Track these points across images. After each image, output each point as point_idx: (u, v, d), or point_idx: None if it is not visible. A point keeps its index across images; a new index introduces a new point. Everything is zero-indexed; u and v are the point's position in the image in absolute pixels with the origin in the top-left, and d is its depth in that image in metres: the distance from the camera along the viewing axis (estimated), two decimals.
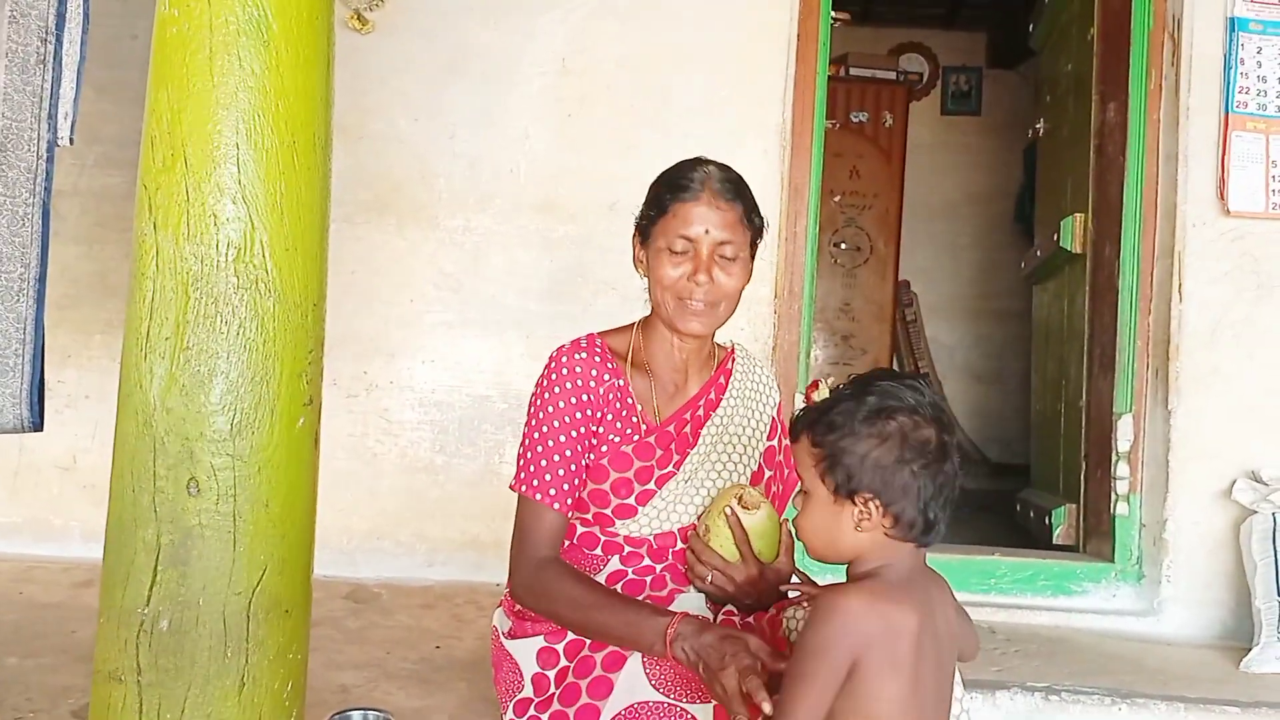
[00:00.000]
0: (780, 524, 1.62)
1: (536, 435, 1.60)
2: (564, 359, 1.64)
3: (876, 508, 1.26)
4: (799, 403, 3.06)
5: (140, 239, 1.04)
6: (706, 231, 1.60)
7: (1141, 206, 3.06)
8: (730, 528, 1.57)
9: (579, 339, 1.68)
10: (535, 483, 1.58)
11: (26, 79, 1.56)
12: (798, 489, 1.34)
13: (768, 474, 1.74)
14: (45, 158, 1.57)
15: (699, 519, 1.63)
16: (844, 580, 1.33)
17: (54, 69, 1.57)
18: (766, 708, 1.28)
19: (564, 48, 3.15)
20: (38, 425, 1.55)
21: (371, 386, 3.13)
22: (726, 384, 1.73)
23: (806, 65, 3.12)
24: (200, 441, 1.00)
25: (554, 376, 1.63)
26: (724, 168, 1.67)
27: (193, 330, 1.01)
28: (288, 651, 1.03)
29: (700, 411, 1.69)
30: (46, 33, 1.54)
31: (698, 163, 1.67)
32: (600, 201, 3.08)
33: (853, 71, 5.75)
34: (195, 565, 0.99)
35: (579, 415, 1.61)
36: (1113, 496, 3.05)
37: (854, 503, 1.26)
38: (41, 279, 1.58)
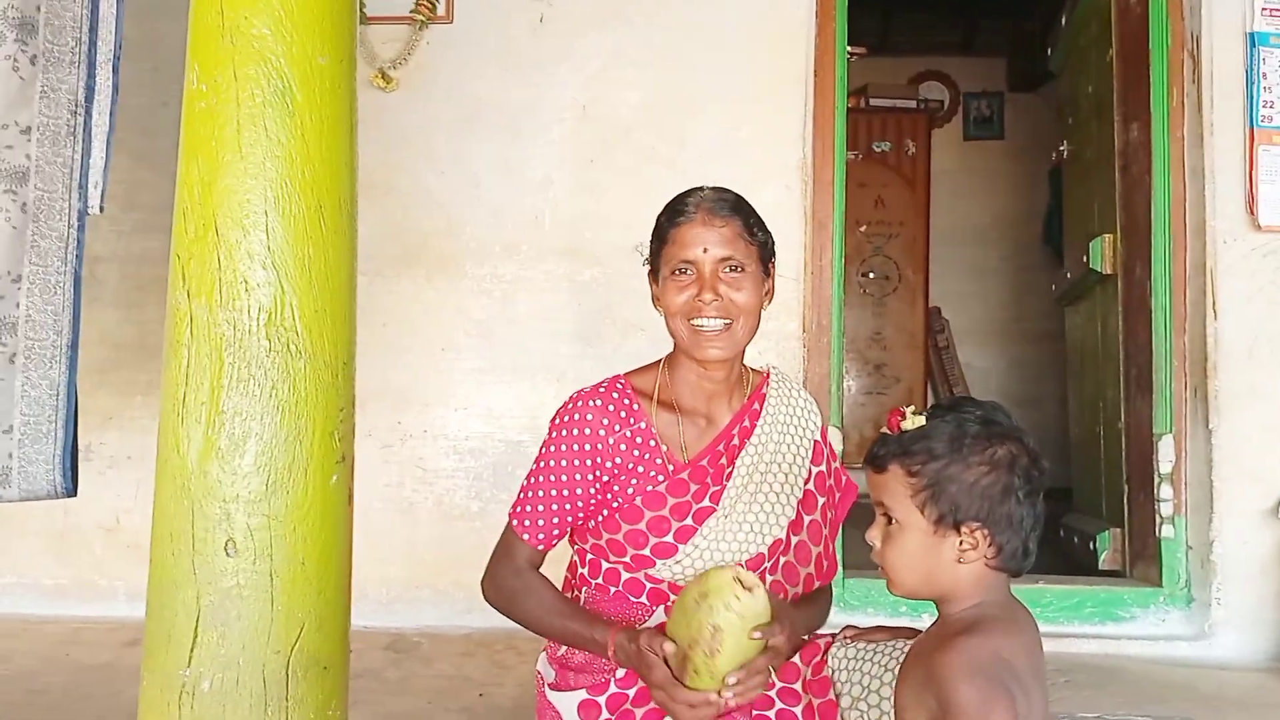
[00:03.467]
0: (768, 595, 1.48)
1: (535, 478, 1.64)
2: (579, 403, 1.64)
3: (984, 537, 1.23)
4: (834, 436, 3.05)
5: (174, 308, 1.07)
6: (705, 250, 1.61)
7: (1170, 225, 3.04)
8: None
9: (601, 382, 1.68)
10: (523, 519, 1.64)
11: (57, 151, 1.61)
12: (881, 522, 1.29)
13: (821, 500, 1.71)
14: (77, 226, 1.62)
15: (676, 621, 1.49)
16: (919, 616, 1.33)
17: (84, 140, 1.62)
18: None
19: (582, 95, 3.20)
20: (71, 491, 1.58)
21: (406, 436, 3.16)
22: (761, 410, 1.70)
23: (825, 100, 3.14)
24: (236, 503, 1.02)
25: (562, 420, 1.64)
26: (719, 189, 1.68)
27: (227, 394, 1.04)
28: (327, 708, 1.04)
29: (735, 441, 1.66)
30: (76, 106, 1.59)
31: (693, 191, 1.68)
32: (624, 245, 3.06)
33: (873, 102, 5.78)
34: (234, 625, 1.01)
35: (578, 463, 1.61)
36: (1157, 519, 3.00)
37: (959, 533, 1.23)
38: (74, 345, 1.62)
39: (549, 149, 3.20)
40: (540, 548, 1.65)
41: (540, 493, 1.63)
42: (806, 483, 1.68)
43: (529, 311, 3.17)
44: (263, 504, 1.03)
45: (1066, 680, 2.53)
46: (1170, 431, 3.01)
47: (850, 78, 3.24)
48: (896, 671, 1.53)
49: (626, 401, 1.65)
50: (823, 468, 1.71)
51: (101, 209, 1.74)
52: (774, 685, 1.54)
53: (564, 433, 1.63)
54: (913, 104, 5.93)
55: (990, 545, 1.22)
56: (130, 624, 2.86)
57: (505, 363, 3.16)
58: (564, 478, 1.61)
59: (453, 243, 3.20)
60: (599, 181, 3.18)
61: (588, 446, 1.61)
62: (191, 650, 1.01)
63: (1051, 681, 2.51)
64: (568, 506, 1.63)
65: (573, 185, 3.19)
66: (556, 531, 1.65)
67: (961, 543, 1.23)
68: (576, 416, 1.63)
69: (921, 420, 1.26)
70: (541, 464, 1.64)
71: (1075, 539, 3.65)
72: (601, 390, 1.66)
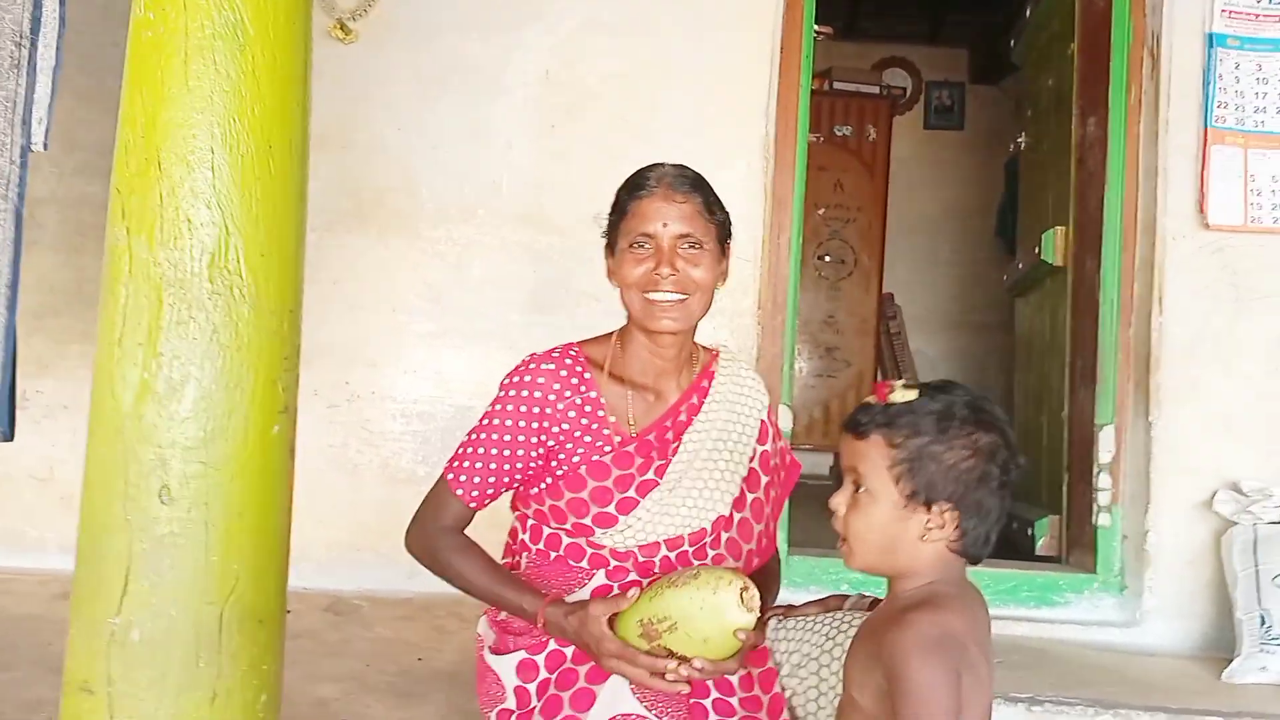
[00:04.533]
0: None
1: (477, 435, 1.64)
2: (530, 366, 1.64)
3: (952, 519, 1.22)
4: (785, 414, 3.06)
5: (113, 245, 1.03)
6: (665, 225, 1.61)
7: (1122, 220, 3.08)
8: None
9: (555, 348, 1.67)
10: (459, 474, 1.63)
11: (0, 84, 1.54)
12: (848, 489, 1.28)
13: (764, 479, 1.72)
14: (19, 163, 1.56)
15: (654, 599, 1.49)
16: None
17: (29, 74, 1.56)
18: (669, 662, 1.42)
19: (549, 60, 3.16)
20: (8, 435, 1.53)
21: (353, 397, 3.11)
22: (709, 388, 1.71)
23: (789, 79, 3.13)
24: (172, 449, 0.99)
25: (512, 381, 1.64)
26: (680, 166, 1.68)
27: (166, 336, 1.00)
28: (261, 663, 1.02)
29: (682, 417, 1.67)
30: (21, 37, 1.53)
31: (654, 166, 1.68)
32: (584, 213, 3.07)
33: (836, 85, 5.78)
34: (167, 575, 0.98)
35: (523, 424, 1.61)
36: (1095, 508, 3.06)
37: (928, 511, 1.22)
38: (13, 286, 1.56)
39: (512, 112, 3.15)
40: (472, 505, 1.65)
41: (481, 450, 1.62)
42: (751, 461, 1.70)
43: (483, 277, 3.13)
44: (200, 451, 1.00)
45: (1000, 661, 2.56)
46: (1111, 423, 3.06)
47: (815, 59, 3.23)
48: (834, 639, 1.55)
49: (579, 370, 1.65)
50: (768, 447, 1.73)
51: (45, 145, 1.67)
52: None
53: (512, 393, 1.62)
54: (876, 90, 5.94)
55: (956, 529, 1.22)
56: (61, 576, 2.77)
57: (457, 327, 3.12)
58: (507, 438, 1.61)
59: (409, 202, 3.15)
60: (562, 148, 3.14)
61: (535, 409, 1.61)
62: (122, 598, 0.98)
63: None
64: (506, 468, 1.62)
65: (535, 151, 3.15)
66: (491, 492, 1.65)
67: (929, 521, 1.22)
68: (527, 379, 1.62)
69: (912, 394, 1.25)
70: (486, 422, 1.63)
71: (1014, 524, 3.71)
72: (554, 356, 1.65)
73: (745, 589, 1.42)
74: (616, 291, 1.69)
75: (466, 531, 1.68)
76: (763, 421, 1.74)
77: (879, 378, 6.00)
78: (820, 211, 5.70)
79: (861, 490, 1.25)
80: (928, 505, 1.22)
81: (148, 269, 0.99)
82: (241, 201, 1.01)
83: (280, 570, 1.08)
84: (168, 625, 0.98)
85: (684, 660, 1.44)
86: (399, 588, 2.93)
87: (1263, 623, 2.63)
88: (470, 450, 1.64)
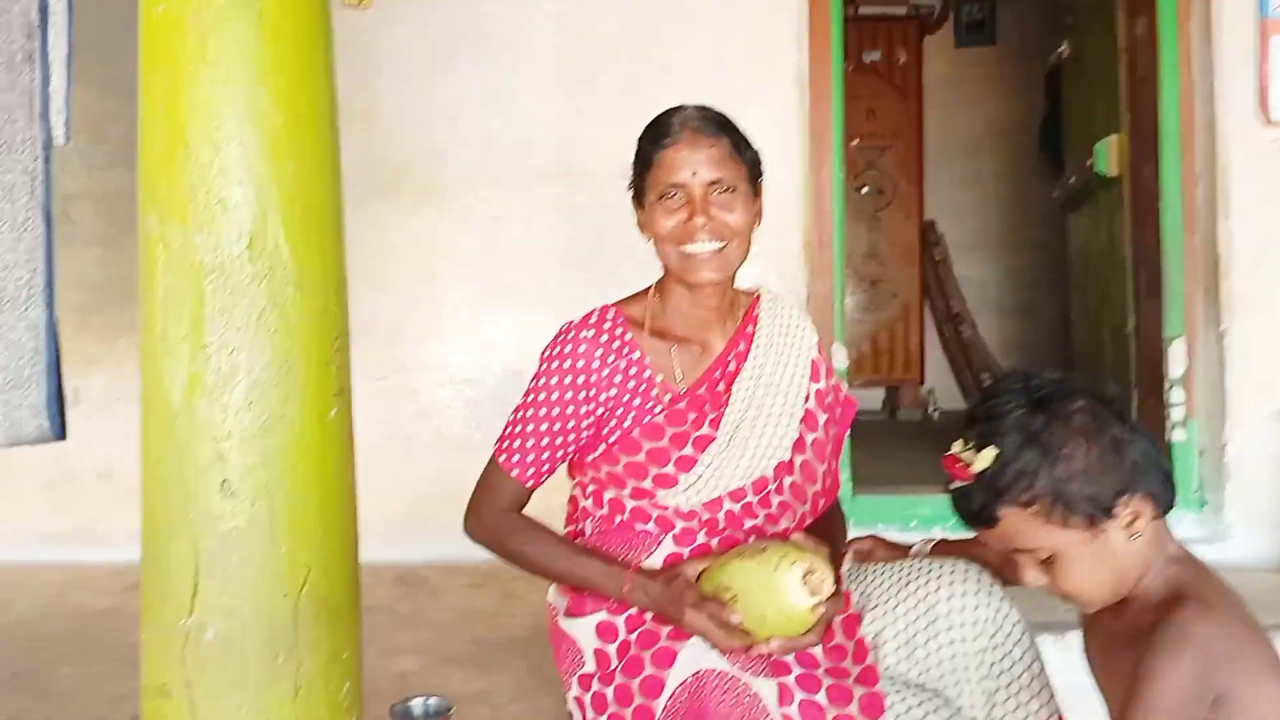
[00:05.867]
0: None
1: (523, 412, 1.59)
2: (569, 335, 1.58)
3: (1139, 499, 1.12)
4: (839, 352, 2.98)
5: (146, 235, 0.99)
6: (694, 173, 1.53)
7: (1179, 123, 2.94)
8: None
9: (590, 312, 1.62)
10: (511, 454, 1.59)
11: (14, 78, 1.50)
12: (1030, 561, 1.14)
13: (822, 418, 1.66)
14: (43, 159, 1.52)
15: (719, 573, 1.47)
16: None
17: (42, 66, 1.51)
18: (735, 617, 1.37)
19: (564, 11, 3.07)
20: (59, 435, 1.51)
21: (400, 369, 3.09)
22: (755, 333, 1.64)
23: (819, 5, 3.01)
24: (229, 441, 0.95)
25: (552, 353, 1.59)
26: (703, 107, 1.60)
27: (210, 326, 0.96)
28: (341, 652, 0.99)
29: (731, 367, 1.62)
30: (30, 28, 1.48)
31: (675, 110, 1.60)
32: (614, 167, 2.97)
33: (863, 10, 5.60)
34: (236, 571, 0.94)
35: (570, 395, 1.56)
36: (1168, 424, 2.97)
37: (1113, 515, 1.11)
38: (50, 285, 1.53)
39: (534, 70, 3.07)
40: (529, 484, 1.60)
41: (530, 427, 1.58)
42: (806, 401, 1.64)
43: (518, 239, 3.08)
44: (257, 441, 0.96)
45: None
46: (1181, 335, 2.95)
47: None
48: (910, 581, 1.51)
49: (619, 331, 1.60)
50: (821, 385, 1.67)
51: (67, 138, 1.64)
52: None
53: (554, 365, 1.57)
54: (903, 11, 5.75)
55: (1144, 501, 1.12)
56: (132, 568, 2.79)
57: (497, 291, 3.08)
58: (555, 411, 1.56)
59: (437, 170, 3.09)
60: (587, 103, 3.06)
61: (580, 379, 1.56)
62: (192, 599, 0.95)
63: None
64: (559, 441, 1.58)
65: (560, 108, 3.07)
66: (546, 468, 1.60)
67: (1123, 521, 1.11)
68: (567, 349, 1.57)
69: (990, 452, 1.11)
70: (531, 398, 1.58)
71: None
72: (592, 321, 1.60)
73: (811, 571, 1.37)
74: (649, 246, 1.63)
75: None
76: (814, 360, 1.67)
77: (925, 307, 5.88)
78: (854, 143, 5.55)
79: (1044, 558, 1.13)
80: (1108, 512, 1.11)
81: (185, 257, 0.95)
82: (275, 177, 0.96)
83: (351, 555, 1.05)
84: (242, 623, 0.95)
85: (753, 639, 1.42)
86: (464, 555, 2.90)
87: None
88: (519, 429, 1.59)
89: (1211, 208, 2.87)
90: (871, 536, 1.61)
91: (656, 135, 1.58)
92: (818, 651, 1.49)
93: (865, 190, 5.67)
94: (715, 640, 1.44)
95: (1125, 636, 1.14)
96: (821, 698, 1.40)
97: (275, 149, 0.97)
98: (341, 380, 1.02)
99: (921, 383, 5.80)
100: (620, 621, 1.57)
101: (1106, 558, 1.11)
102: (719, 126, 1.57)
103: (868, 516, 2.93)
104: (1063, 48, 3.95)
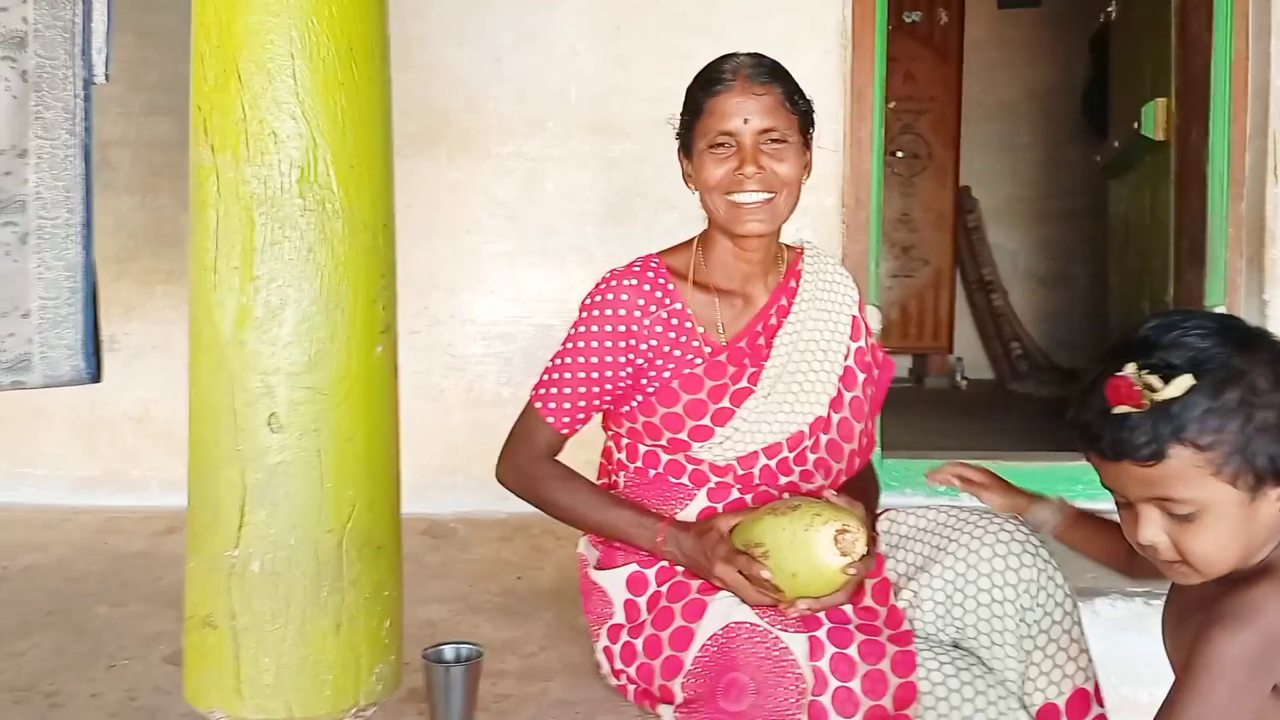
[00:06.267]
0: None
1: (562, 359, 1.58)
2: (612, 283, 1.57)
3: None
4: (873, 314, 2.95)
5: (198, 165, 0.98)
6: (746, 121, 1.51)
7: (1231, 86, 2.87)
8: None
9: (634, 261, 1.61)
10: (548, 401, 1.59)
11: (56, 13, 1.49)
12: (1156, 517, 1.01)
13: (861, 376, 1.65)
14: (83, 96, 1.51)
15: (757, 527, 1.45)
16: None
17: (84, 2, 1.50)
18: (765, 573, 1.35)
19: None
20: (95, 376, 1.51)
21: (433, 322, 3.09)
22: (798, 288, 1.63)
23: None
24: (277, 375, 0.95)
25: (595, 300, 1.58)
26: (756, 54, 1.57)
27: (260, 258, 0.95)
28: (383, 589, 0.99)
29: (773, 321, 1.60)
30: None
31: (727, 56, 1.58)
32: (654, 117, 2.91)
33: None
34: (283, 504, 0.95)
35: (610, 344, 1.55)
36: None
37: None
38: (88, 224, 1.53)
39: (574, 16, 3.03)
40: (565, 432, 1.60)
41: (569, 374, 1.57)
42: (846, 358, 1.63)
43: (556, 191, 3.05)
44: (305, 376, 0.96)
45: None
46: (1223, 303, 2.90)
47: None
48: (939, 532, 1.48)
49: (661, 281, 1.58)
50: (861, 343, 1.66)
51: (107, 77, 1.62)
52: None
53: (596, 313, 1.57)
54: None
55: None
56: (165, 513, 2.85)
57: (533, 245, 3.06)
58: (594, 359, 1.56)
59: (475, 120, 3.06)
60: (627, 51, 3.02)
61: (621, 328, 1.55)
62: (239, 530, 0.96)
63: None
64: (596, 389, 1.57)
65: (599, 56, 3.03)
66: (582, 416, 1.60)
67: None
68: (610, 297, 1.56)
69: (1182, 381, 0.96)
70: (570, 345, 1.58)
71: None
72: (636, 270, 1.59)
73: (844, 531, 1.36)
74: (694, 197, 1.61)
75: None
76: (854, 317, 1.66)
77: (957, 275, 5.81)
78: (891, 104, 5.46)
79: (1185, 513, 0.99)
80: (1278, 477, 0.98)
81: (236, 188, 0.94)
82: (326, 110, 0.95)
83: (393, 495, 1.05)
84: (288, 555, 0.95)
85: (782, 596, 1.41)
86: (493, 509, 2.93)
87: None
88: (557, 375, 1.59)
89: (1260, 175, 2.81)
90: (986, 471, 1.50)
91: (708, 82, 1.56)
92: (849, 609, 1.49)
93: (900, 154, 5.60)
94: (745, 595, 1.44)
95: (1199, 602, 1.06)
96: (853, 651, 1.40)
97: (327, 81, 0.96)
98: (388, 318, 1.01)
99: (950, 351, 5.76)
100: (651, 574, 1.58)
101: (1247, 527, 0.99)
102: (772, 74, 1.55)
103: (896, 480, 2.92)
104: (1111, 8, 3.86)
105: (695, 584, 1.52)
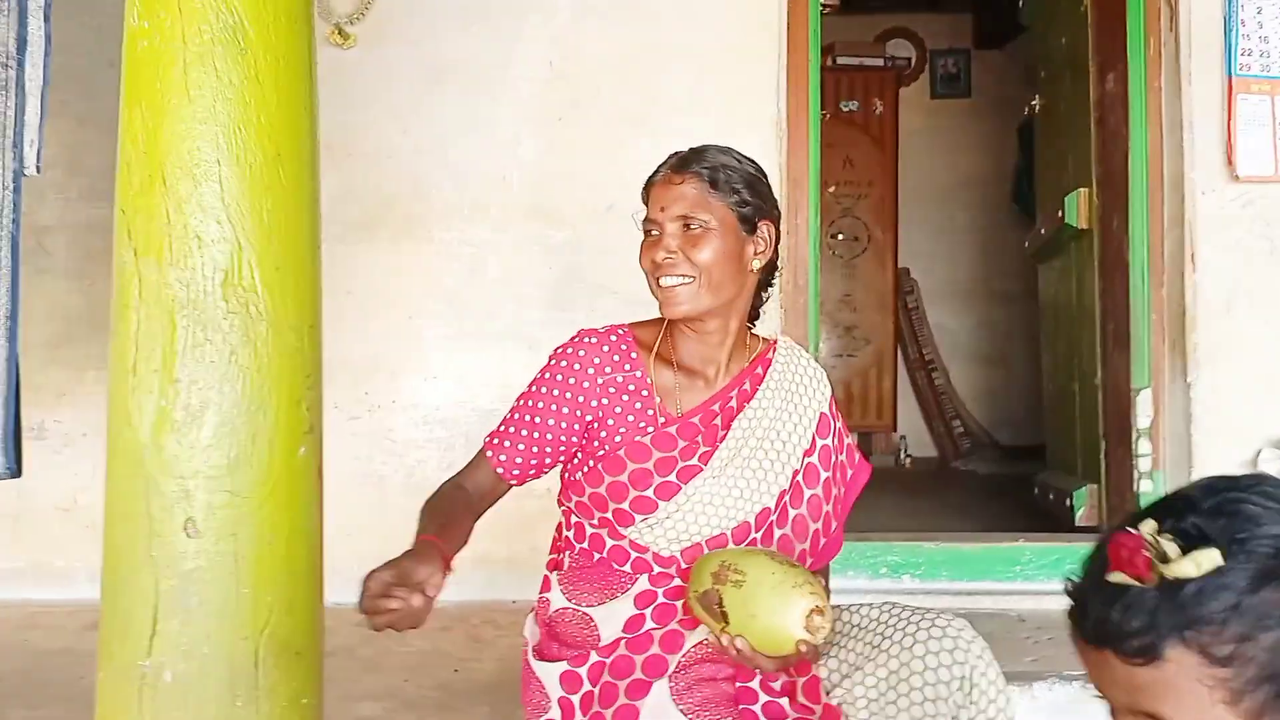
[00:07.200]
0: None
1: (519, 405, 1.60)
2: (577, 339, 1.61)
3: None
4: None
5: (121, 267, 0.98)
6: (663, 209, 1.57)
7: (1147, 177, 3.00)
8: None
9: (609, 326, 1.64)
10: (498, 443, 1.59)
11: None
12: None
13: (824, 475, 1.64)
14: (12, 188, 1.51)
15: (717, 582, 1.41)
16: None
17: (18, 95, 1.50)
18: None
19: (549, 51, 3.09)
20: (14, 471, 1.47)
21: (374, 407, 3.06)
22: (764, 375, 1.64)
23: (798, 53, 3.06)
24: (196, 479, 0.94)
25: (557, 353, 1.61)
26: (700, 148, 1.62)
27: (182, 361, 0.95)
28: (301, 696, 0.97)
29: (733, 404, 1.61)
30: (8, 57, 1.48)
31: (677, 152, 1.64)
32: (594, 205, 3.02)
33: (840, 60, 5.70)
34: (197, 611, 0.92)
35: (559, 394, 1.57)
36: (1135, 475, 2.99)
37: None
38: (13, 317, 1.51)
39: (517, 107, 3.09)
40: (505, 475, 1.59)
41: (519, 417, 1.59)
42: (809, 455, 1.62)
43: (498, 276, 3.08)
44: (225, 479, 0.94)
45: (1050, 638, 2.52)
46: (1148, 386, 2.99)
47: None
48: (879, 647, 1.46)
49: (624, 348, 1.61)
50: (829, 441, 1.65)
51: (39, 169, 1.62)
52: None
53: (556, 363, 1.60)
54: (880, 62, 5.86)
55: None
56: (89, 606, 2.73)
57: (474, 329, 3.07)
58: (544, 406, 1.57)
59: (418, 205, 3.09)
60: (569, 139, 3.08)
61: (572, 381, 1.57)
62: (151, 639, 0.93)
63: (1035, 640, 2.50)
64: (544, 437, 1.58)
65: (541, 145, 3.09)
66: (525, 463, 1.59)
67: None
68: (570, 351, 1.60)
69: (1207, 556, 0.70)
70: (528, 390, 1.60)
71: (1051, 496, 3.64)
72: (601, 332, 1.63)
73: (820, 612, 1.33)
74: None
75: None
76: (823, 414, 1.65)
77: (899, 354, 5.92)
78: (831, 189, 5.62)
79: None
80: None
81: (159, 291, 0.94)
82: (252, 214, 0.96)
83: (315, 598, 1.03)
84: (201, 665, 0.93)
85: (725, 625, 1.36)
86: None
87: None
88: (509, 419, 1.61)
89: (1179, 261, 2.92)
90: None
91: (649, 176, 1.63)
92: (784, 703, 1.48)
93: (840, 237, 5.73)
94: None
95: None
96: None
97: (254, 186, 0.97)
98: (312, 419, 1.01)
99: (894, 429, 5.83)
100: (584, 672, 1.55)
101: None
102: (698, 165, 1.59)
103: (837, 562, 2.92)
104: (1035, 102, 4.03)
105: (623, 684, 1.50)
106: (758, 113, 3.03)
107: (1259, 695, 0.66)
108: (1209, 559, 0.69)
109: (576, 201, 3.05)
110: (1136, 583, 0.71)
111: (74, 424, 3.06)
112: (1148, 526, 0.73)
